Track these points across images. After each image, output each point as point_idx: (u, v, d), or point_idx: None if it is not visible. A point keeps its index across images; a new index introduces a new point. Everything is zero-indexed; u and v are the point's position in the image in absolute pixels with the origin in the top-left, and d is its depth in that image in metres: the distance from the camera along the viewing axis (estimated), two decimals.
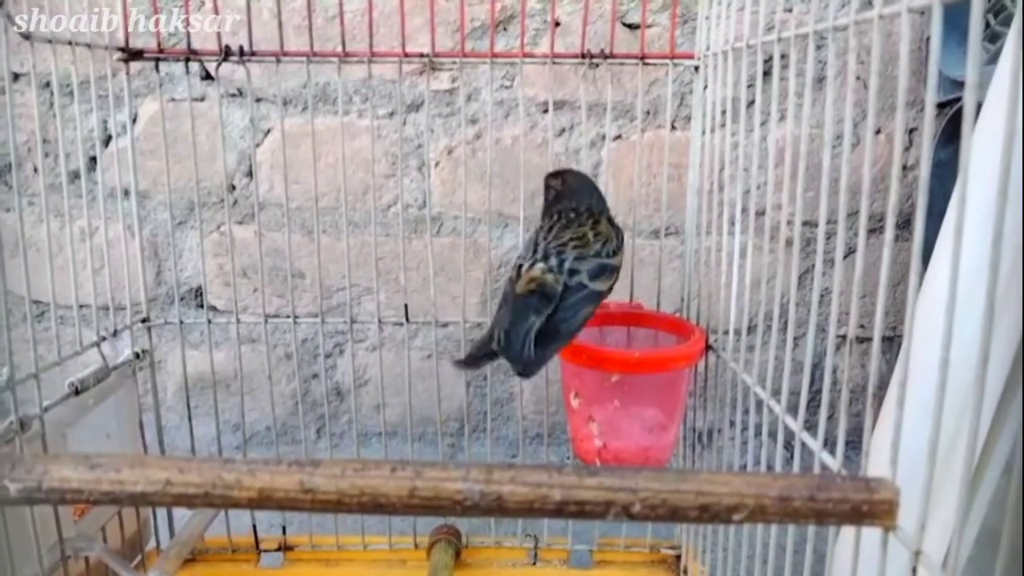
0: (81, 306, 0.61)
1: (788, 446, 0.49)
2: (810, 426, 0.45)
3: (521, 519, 0.73)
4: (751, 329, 0.54)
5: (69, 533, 0.57)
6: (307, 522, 0.77)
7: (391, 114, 0.89)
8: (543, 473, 0.29)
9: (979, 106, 0.56)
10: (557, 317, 0.55)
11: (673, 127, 0.88)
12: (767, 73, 0.52)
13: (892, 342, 0.90)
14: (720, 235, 0.61)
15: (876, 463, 0.37)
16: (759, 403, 0.53)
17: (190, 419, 0.74)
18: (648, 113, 0.89)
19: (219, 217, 0.92)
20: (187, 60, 0.67)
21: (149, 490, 0.30)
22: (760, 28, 0.52)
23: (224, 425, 0.76)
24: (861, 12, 0.38)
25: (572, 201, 0.62)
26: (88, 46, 0.61)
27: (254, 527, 0.75)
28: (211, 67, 0.76)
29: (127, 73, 0.67)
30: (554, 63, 0.68)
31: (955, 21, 0.43)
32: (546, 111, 0.88)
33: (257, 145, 0.90)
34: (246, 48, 0.66)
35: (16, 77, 0.86)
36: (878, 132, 0.88)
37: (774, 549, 0.48)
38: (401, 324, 0.73)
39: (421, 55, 0.67)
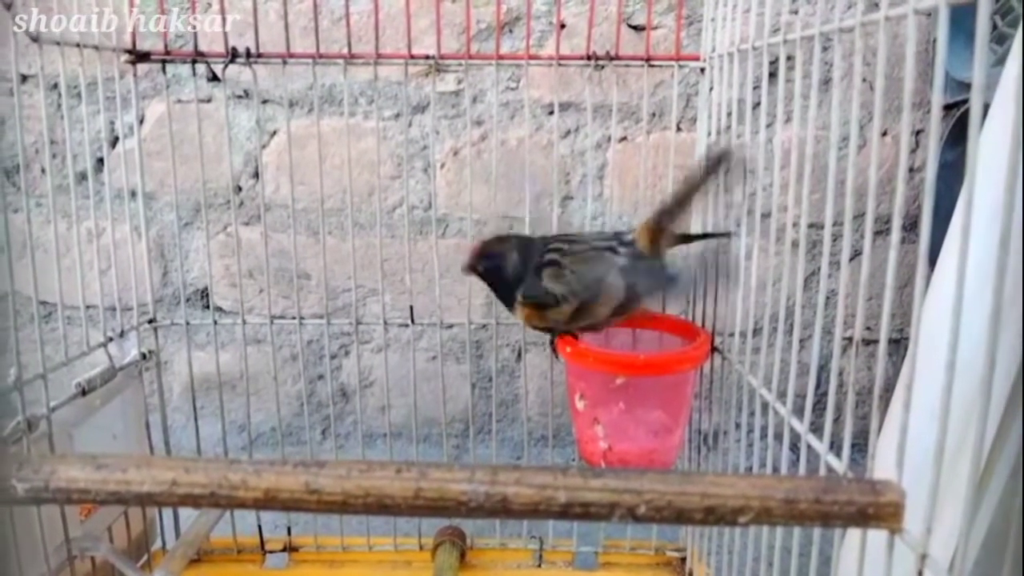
0: (88, 307, 0.61)
1: (794, 448, 0.48)
2: (816, 428, 0.45)
3: (526, 521, 0.72)
4: (757, 331, 0.54)
5: (75, 533, 0.58)
6: (312, 523, 0.77)
7: (397, 115, 0.89)
8: (548, 475, 0.29)
9: (986, 108, 0.55)
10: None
11: (679, 129, 0.88)
12: (773, 75, 0.52)
13: (898, 344, 0.90)
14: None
15: (882, 466, 0.37)
16: (765, 405, 0.52)
17: (196, 420, 0.75)
18: (654, 115, 0.89)
19: (225, 218, 0.93)
20: (194, 62, 0.67)
21: (155, 490, 0.31)
22: (766, 30, 0.52)
23: (230, 426, 0.76)
24: (867, 14, 0.38)
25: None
26: (96, 48, 0.61)
27: (259, 528, 0.75)
28: (218, 69, 0.76)
29: (134, 75, 0.68)
30: (560, 65, 0.68)
31: (962, 22, 0.43)
32: (551, 113, 0.88)
33: (263, 146, 0.91)
34: (253, 50, 0.66)
35: (24, 79, 0.86)
36: (884, 134, 0.88)
37: (779, 552, 0.48)
38: (406, 325, 0.73)
39: (427, 57, 0.68)
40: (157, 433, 0.72)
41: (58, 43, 0.57)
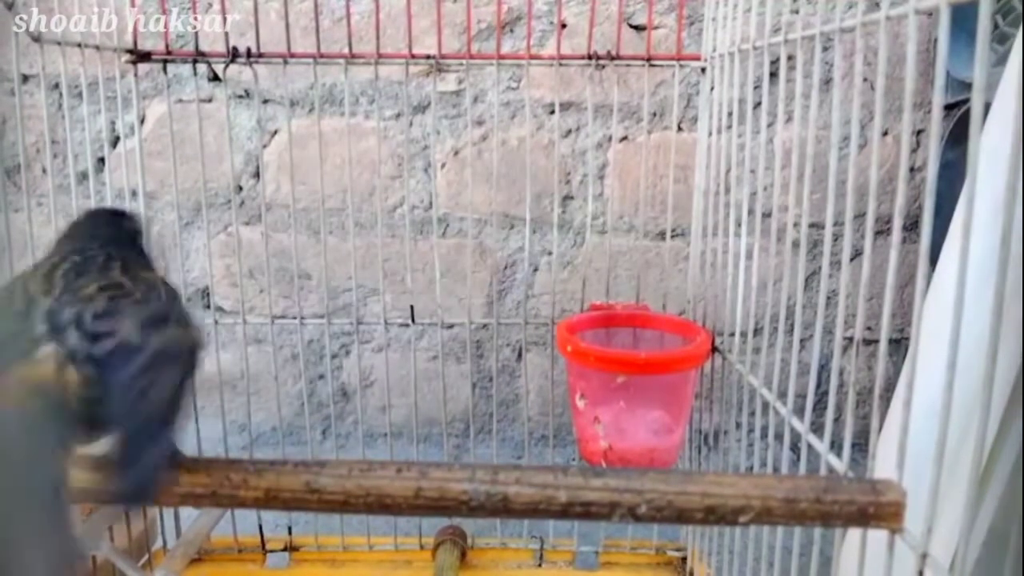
0: None
1: (794, 448, 0.48)
2: (816, 428, 0.45)
3: (527, 520, 0.72)
4: (757, 331, 0.54)
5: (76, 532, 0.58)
6: (313, 522, 0.77)
7: (398, 115, 0.89)
8: (549, 474, 0.29)
9: (987, 107, 0.55)
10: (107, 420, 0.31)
11: (679, 128, 0.88)
12: (774, 75, 0.52)
13: (899, 344, 0.90)
14: (726, 237, 0.61)
15: (883, 465, 0.37)
16: (765, 405, 0.52)
17: (197, 419, 0.75)
18: (655, 114, 0.89)
19: (226, 218, 0.93)
20: (195, 62, 0.67)
21: None
22: (767, 30, 0.52)
23: (231, 425, 0.76)
24: (868, 14, 0.38)
25: (86, 242, 0.39)
26: (97, 48, 0.61)
27: (260, 527, 0.75)
28: (219, 69, 0.76)
29: (135, 75, 0.68)
30: (560, 64, 0.68)
31: (963, 22, 0.43)
32: (552, 112, 0.88)
33: (264, 146, 0.91)
34: (253, 50, 0.66)
35: (25, 79, 0.86)
36: (885, 134, 0.88)
37: (780, 551, 0.48)
38: (407, 325, 0.73)
39: (428, 56, 0.68)
40: None
41: (59, 43, 0.57)
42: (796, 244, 0.48)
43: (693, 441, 0.71)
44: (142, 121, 0.90)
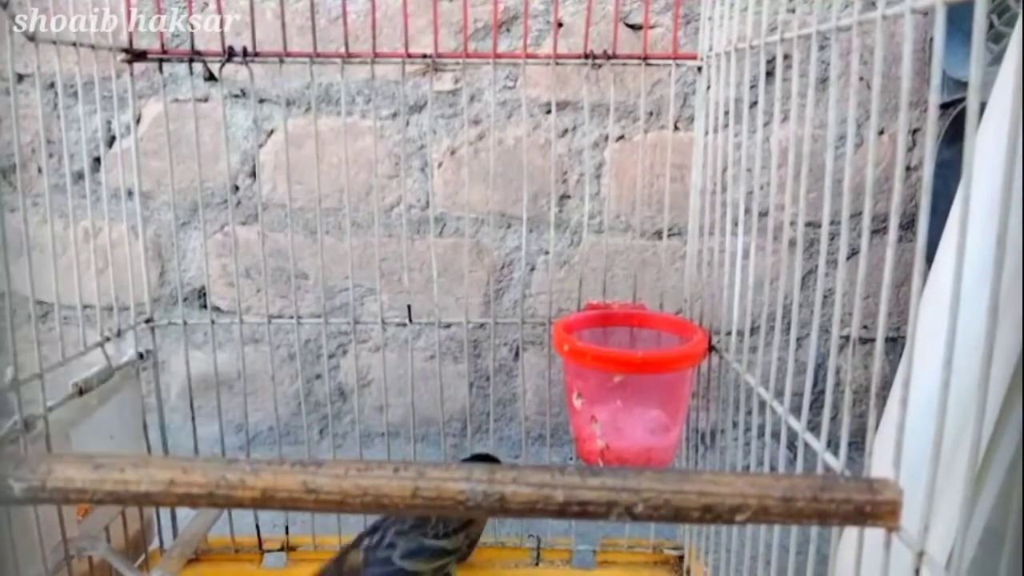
0: (85, 307, 0.61)
1: (791, 447, 0.48)
2: (813, 427, 0.45)
3: (524, 519, 0.72)
4: (754, 330, 0.54)
5: (73, 533, 0.58)
6: (310, 522, 0.77)
7: (394, 115, 0.89)
8: (546, 473, 0.29)
9: (982, 106, 0.55)
10: None
11: (676, 128, 0.88)
12: (770, 74, 0.52)
13: (895, 343, 0.90)
14: (723, 236, 0.61)
15: (879, 464, 0.37)
16: (762, 404, 0.52)
17: (193, 419, 0.75)
18: (651, 114, 0.89)
19: (222, 218, 0.92)
20: (191, 61, 0.67)
21: (153, 490, 0.30)
22: (763, 28, 0.52)
23: (227, 425, 0.76)
24: (864, 13, 0.38)
25: None
26: (92, 47, 0.61)
27: (257, 527, 0.75)
28: (215, 68, 0.76)
29: (131, 74, 0.68)
30: (557, 64, 0.68)
31: (959, 21, 0.43)
32: (549, 112, 0.88)
33: (260, 146, 0.90)
34: (249, 49, 0.66)
35: (20, 78, 0.86)
36: (881, 133, 0.88)
37: (777, 550, 0.48)
38: (404, 325, 0.73)
39: (424, 56, 0.67)
40: (154, 433, 0.72)
41: (54, 42, 0.57)
42: (793, 243, 0.48)
43: (690, 440, 0.71)
44: (138, 121, 0.89)
